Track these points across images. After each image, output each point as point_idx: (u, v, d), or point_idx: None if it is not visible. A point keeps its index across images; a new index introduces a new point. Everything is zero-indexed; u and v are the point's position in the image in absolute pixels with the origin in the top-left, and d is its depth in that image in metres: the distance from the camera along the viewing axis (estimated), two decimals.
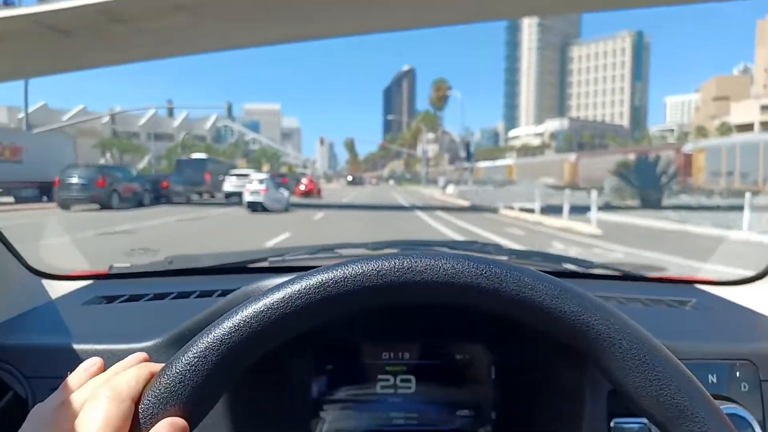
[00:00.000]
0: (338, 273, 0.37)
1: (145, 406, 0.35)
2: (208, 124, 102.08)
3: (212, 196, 26.27)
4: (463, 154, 46.33)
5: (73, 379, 0.38)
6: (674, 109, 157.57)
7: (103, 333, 0.79)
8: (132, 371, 0.38)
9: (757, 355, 0.74)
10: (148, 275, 1.22)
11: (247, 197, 17.28)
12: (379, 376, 0.76)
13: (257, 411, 0.71)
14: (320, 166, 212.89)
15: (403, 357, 0.77)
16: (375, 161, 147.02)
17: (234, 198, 21.01)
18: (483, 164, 73.10)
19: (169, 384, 0.35)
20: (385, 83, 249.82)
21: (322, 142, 44.86)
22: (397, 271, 0.37)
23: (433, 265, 0.38)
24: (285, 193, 19.23)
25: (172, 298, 0.98)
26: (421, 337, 0.77)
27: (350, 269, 0.37)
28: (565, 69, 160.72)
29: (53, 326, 0.86)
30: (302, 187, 30.10)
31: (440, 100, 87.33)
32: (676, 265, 6.87)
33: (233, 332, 0.36)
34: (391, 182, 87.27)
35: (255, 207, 16.95)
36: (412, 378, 0.76)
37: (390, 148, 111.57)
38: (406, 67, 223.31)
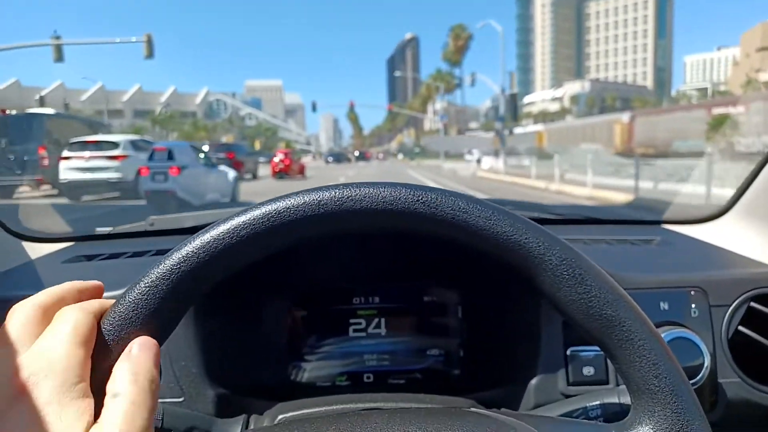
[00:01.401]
0: (281, 204, 0.38)
1: (109, 325, 0.36)
2: (199, 98, 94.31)
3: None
4: (503, 111, 37.26)
5: (56, 288, 0.38)
6: (695, 69, 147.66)
7: None
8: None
9: (707, 282, 0.78)
10: (129, 236, 1.23)
11: (146, 184, 10.07)
12: (351, 320, 0.80)
13: (234, 358, 0.75)
14: (325, 142, 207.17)
15: (373, 301, 0.80)
16: (381, 135, 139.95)
17: (78, 192, 11.45)
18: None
19: (131, 304, 0.36)
20: (387, 53, 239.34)
21: (314, 107, 35.50)
22: (336, 200, 0.39)
23: (371, 193, 0.39)
24: (228, 173, 11.67)
25: (151, 255, 1.00)
26: (389, 281, 0.80)
27: (292, 200, 0.39)
28: (581, 27, 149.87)
29: (31, 281, 0.88)
30: (277, 164, 21.83)
31: (458, 52, 70.35)
32: None
33: (182, 262, 0.37)
34: (400, 156, 77.62)
35: (159, 200, 9.74)
36: (383, 320, 0.80)
37: (399, 114, 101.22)
38: (408, 36, 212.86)
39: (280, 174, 21.18)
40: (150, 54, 18.48)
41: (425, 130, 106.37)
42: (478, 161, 29.33)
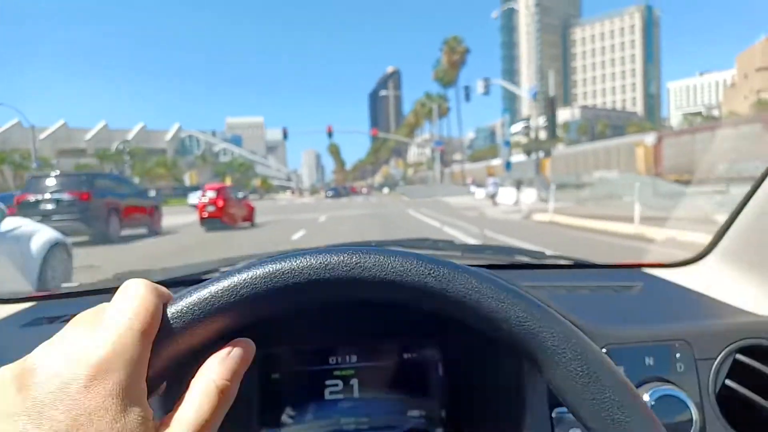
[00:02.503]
0: (285, 264, 0.37)
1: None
2: (169, 135, 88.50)
3: None
4: (508, 133, 30.94)
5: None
6: (678, 95, 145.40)
7: None
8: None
9: (691, 334, 0.76)
10: (97, 293, 1.15)
11: None
12: (327, 382, 0.77)
13: None
14: (307, 179, 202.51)
15: (350, 360, 0.77)
16: (364, 169, 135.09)
17: None
18: (497, 162, 59.55)
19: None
20: (370, 87, 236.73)
21: (285, 134, 29.89)
22: (345, 266, 0.37)
23: (381, 262, 0.37)
24: (34, 236, 4.88)
25: None
26: (366, 339, 0.78)
27: (298, 261, 0.37)
28: (567, 54, 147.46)
29: None
30: (205, 206, 14.54)
31: (453, 68, 61.73)
32: None
33: (174, 318, 0.35)
34: (386, 190, 71.28)
35: None
36: (360, 381, 0.77)
37: (383, 147, 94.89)
38: (390, 69, 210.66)
39: (211, 221, 14.31)
40: None
41: (410, 162, 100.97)
42: (492, 196, 22.74)
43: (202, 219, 14.57)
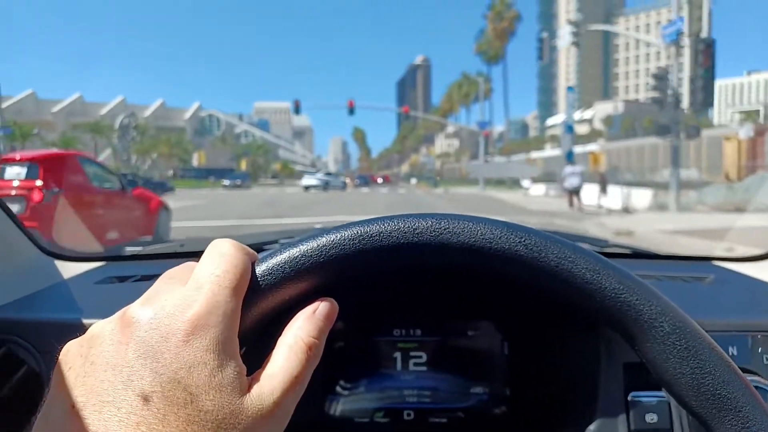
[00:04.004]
0: (374, 227, 0.37)
1: (265, 271, 0.36)
2: (188, 113, 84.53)
3: None
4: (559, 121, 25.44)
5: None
6: (724, 93, 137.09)
7: (114, 308, 0.86)
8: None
9: None
10: (159, 257, 1.24)
11: None
12: (391, 353, 0.77)
13: None
14: (332, 165, 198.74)
15: (415, 333, 0.77)
16: (390, 158, 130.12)
17: None
18: (537, 155, 53.99)
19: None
20: (398, 76, 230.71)
21: (297, 109, 25.11)
22: (433, 231, 0.37)
23: (471, 228, 0.37)
24: None
25: None
26: (432, 314, 0.77)
27: (387, 224, 0.37)
28: (609, 45, 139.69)
29: (66, 303, 0.89)
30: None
31: (500, 38, 53.65)
32: None
33: (263, 276, 0.36)
34: (414, 181, 65.81)
35: None
36: (424, 355, 0.76)
37: (410, 135, 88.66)
38: (419, 59, 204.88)
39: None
40: None
41: (437, 153, 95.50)
42: (575, 192, 16.51)
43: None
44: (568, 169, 16.99)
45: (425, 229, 0.37)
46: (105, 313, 0.69)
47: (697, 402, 0.35)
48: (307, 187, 29.48)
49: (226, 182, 34.69)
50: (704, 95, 16.37)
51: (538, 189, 24.85)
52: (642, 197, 15.08)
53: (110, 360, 0.30)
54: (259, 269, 0.36)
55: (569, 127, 25.90)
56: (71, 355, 0.32)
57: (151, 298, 0.33)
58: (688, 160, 29.14)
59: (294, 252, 0.36)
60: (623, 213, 13.97)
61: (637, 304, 0.36)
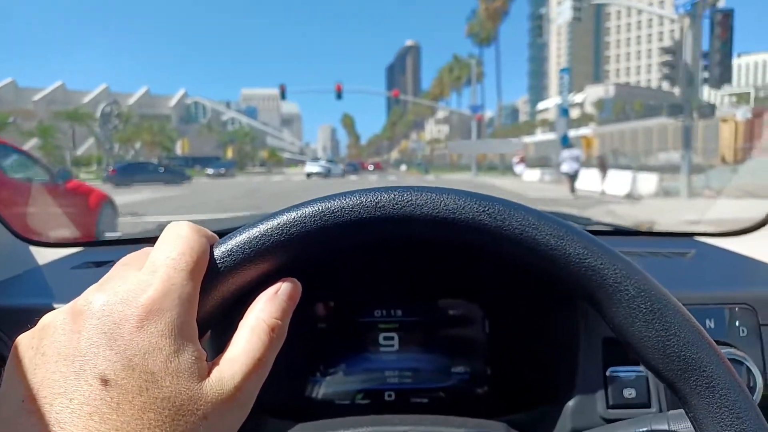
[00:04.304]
0: (336, 203, 0.36)
1: (223, 253, 0.35)
2: (173, 101, 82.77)
3: None
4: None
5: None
6: (742, 72, 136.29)
7: None
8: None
9: (756, 299, 0.74)
10: (140, 241, 1.22)
11: None
12: (371, 335, 0.77)
13: None
14: (321, 153, 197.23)
15: (395, 314, 0.77)
16: (379, 144, 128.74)
17: None
18: (529, 139, 52.97)
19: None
20: (387, 61, 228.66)
21: (282, 94, 24.39)
22: (396, 204, 0.36)
23: (434, 199, 0.36)
24: None
25: None
26: (412, 294, 0.77)
27: (348, 199, 0.36)
28: (600, 27, 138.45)
29: (40, 289, 0.88)
30: None
31: (493, 18, 52.31)
32: None
33: (222, 258, 0.35)
34: (403, 168, 64.76)
35: None
36: (405, 335, 0.77)
37: (399, 122, 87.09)
38: (409, 42, 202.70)
39: None
40: None
41: (427, 139, 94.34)
42: (572, 177, 15.24)
43: None
44: (565, 153, 16.06)
45: (388, 202, 0.36)
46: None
47: (663, 364, 0.35)
48: (309, 174, 30.27)
49: (210, 171, 33.53)
50: (721, 70, 15.23)
51: (533, 174, 23.85)
52: (647, 182, 14.09)
53: (62, 350, 0.29)
54: (218, 251, 0.35)
55: (564, 110, 24.97)
56: (22, 347, 0.31)
57: (104, 284, 0.32)
58: (678, 143, 28.30)
59: (253, 232, 0.35)
60: (630, 199, 13.04)
61: (602, 268, 0.35)
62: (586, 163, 19.79)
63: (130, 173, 24.19)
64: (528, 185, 20.37)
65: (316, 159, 55.55)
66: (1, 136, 35.35)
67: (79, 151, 48.96)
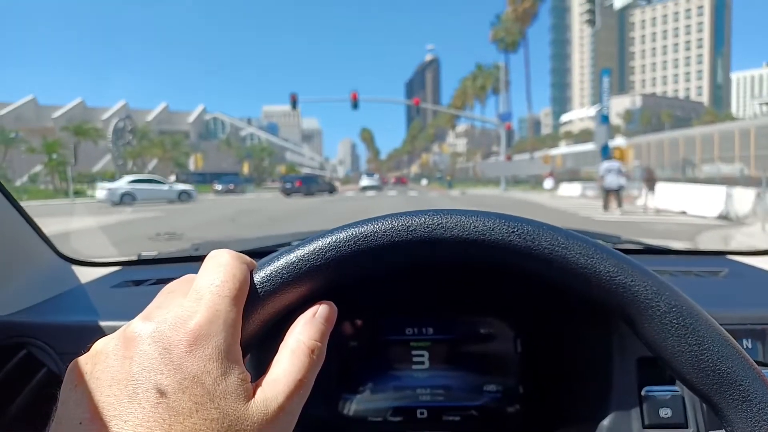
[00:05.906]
0: (369, 227, 0.37)
1: (263, 278, 0.36)
2: (192, 117, 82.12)
3: None
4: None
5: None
6: (742, 86, 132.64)
7: (131, 311, 0.86)
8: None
9: None
10: (176, 261, 1.28)
11: None
12: (403, 352, 0.77)
13: None
14: (341, 168, 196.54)
15: (427, 332, 0.77)
16: (399, 159, 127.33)
17: None
18: (556, 151, 50.61)
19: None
20: (407, 77, 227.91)
21: (294, 104, 22.63)
22: (426, 227, 0.37)
23: (463, 222, 0.37)
24: None
25: None
26: (443, 312, 0.78)
27: (381, 224, 0.37)
28: (625, 38, 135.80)
29: (83, 307, 0.91)
30: None
31: (521, 21, 47.89)
32: None
33: (261, 283, 0.36)
34: (424, 182, 62.77)
35: None
36: (437, 353, 0.77)
37: (419, 136, 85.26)
38: (429, 57, 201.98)
39: None
40: None
41: (446, 152, 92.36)
42: (617, 191, 13.38)
43: None
44: (605, 164, 14.00)
45: (418, 226, 0.38)
46: (121, 315, 0.76)
47: (697, 378, 0.35)
48: (364, 188, 33.57)
49: (218, 187, 31.82)
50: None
51: (571, 189, 21.49)
52: (743, 199, 11.33)
53: (115, 375, 0.31)
54: (258, 277, 0.36)
55: (604, 117, 22.89)
56: (76, 372, 0.32)
57: (152, 312, 0.34)
58: (726, 153, 25.87)
59: (291, 257, 0.37)
60: (725, 221, 10.84)
61: (633, 285, 0.36)
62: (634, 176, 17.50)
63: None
64: (571, 202, 18.08)
65: (370, 174, 54.53)
66: (8, 152, 34.33)
67: (96, 167, 48.03)
